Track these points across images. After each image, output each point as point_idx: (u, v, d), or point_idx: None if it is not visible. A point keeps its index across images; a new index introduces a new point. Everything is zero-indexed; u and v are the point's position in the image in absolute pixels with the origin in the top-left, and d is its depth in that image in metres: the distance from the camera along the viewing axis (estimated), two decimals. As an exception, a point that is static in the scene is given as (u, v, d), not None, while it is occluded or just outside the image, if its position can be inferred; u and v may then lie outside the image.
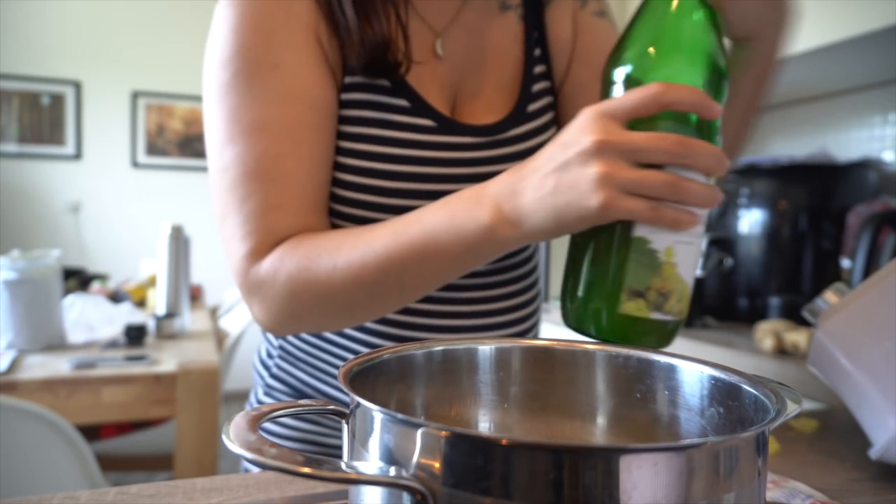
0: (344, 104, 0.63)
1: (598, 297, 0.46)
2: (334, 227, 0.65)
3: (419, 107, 0.63)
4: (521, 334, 0.73)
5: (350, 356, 0.67)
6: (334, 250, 0.55)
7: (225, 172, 0.59)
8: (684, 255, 0.45)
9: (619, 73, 0.47)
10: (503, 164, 0.65)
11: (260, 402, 0.76)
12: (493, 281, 0.69)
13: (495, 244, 0.50)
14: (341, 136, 0.62)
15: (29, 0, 3.63)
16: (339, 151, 0.63)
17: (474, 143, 0.65)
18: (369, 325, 0.67)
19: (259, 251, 0.58)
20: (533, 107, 0.69)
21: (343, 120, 0.63)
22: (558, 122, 0.73)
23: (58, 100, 3.72)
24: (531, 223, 0.47)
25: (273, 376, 0.75)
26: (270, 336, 0.75)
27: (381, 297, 0.55)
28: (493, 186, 0.50)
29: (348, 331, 0.68)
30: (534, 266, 0.76)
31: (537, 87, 0.70)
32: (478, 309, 0.68)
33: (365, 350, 0.66)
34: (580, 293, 0.47)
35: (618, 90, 0.47)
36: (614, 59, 0.48)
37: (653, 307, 0.45)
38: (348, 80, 0.62)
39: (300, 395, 0.72)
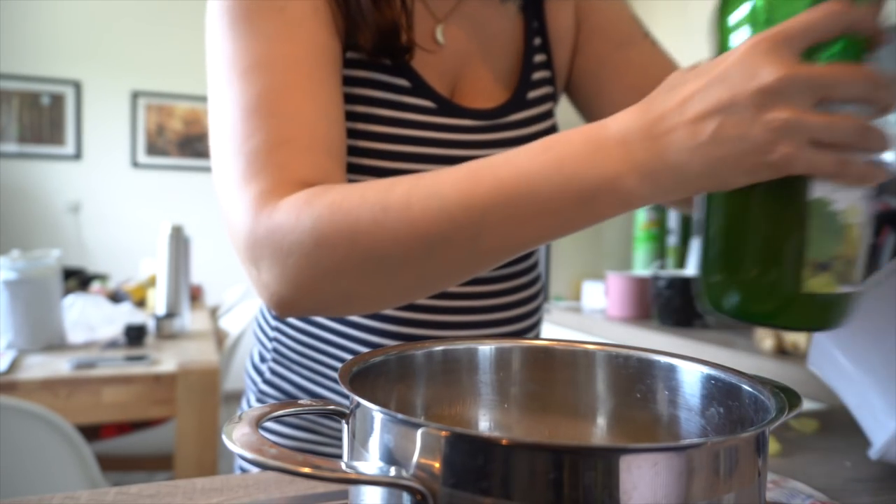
0: (345, 81, 0.61)
1: (769, 275, 0.38)
2: None
3: (419, 87, 0.63)
4: (525, 331, 0.72)
5: (349, 357, 0.66)
6: (384, 190, 0.45)
7: (221, 117, 0.52)
8: (866, 213, 0.39)
9: (744, 11, 0.38)
10: (503, 147, 0.64)
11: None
12: (496, 275, 0.69)
13: (619, 201, 0.40)
14: None
15: (29, 0, 3.63)
16: None
17: (474, 125, 0.64)
18: (368, 322, 0.66)
19: (271, 192, 0.48)
20: (532, 94, 0.69)
21: (344, 98, 0.60)
22: (580, 101, 0.74)
23: (58, 100, 3.72)
24: (676, 178, 0.38)
25: (266, 382, 0.73)
26: (264, 338, 0.74)
27: (444, 255, 0.44)
28: (617, 126, 0.40)
29: (347, 329, 0.66)
30: (536, 260, 0.75)
31: (537, 75, 0.70)
32: (482, 304, 0.68)
33: (365, 350, 0.65)
34: (741, 272, 0.38)
35: (742, 34, 0.38)
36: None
37: (840, 279, 0.38)
38: (349, 55, 0.61)
39: (296, 398, 0.70)
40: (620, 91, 0.71)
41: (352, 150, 0.61)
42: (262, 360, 0.74)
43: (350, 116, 0.61)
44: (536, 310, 0.75)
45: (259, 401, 0.73)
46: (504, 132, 0.66)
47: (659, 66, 0.71)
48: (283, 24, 0.54)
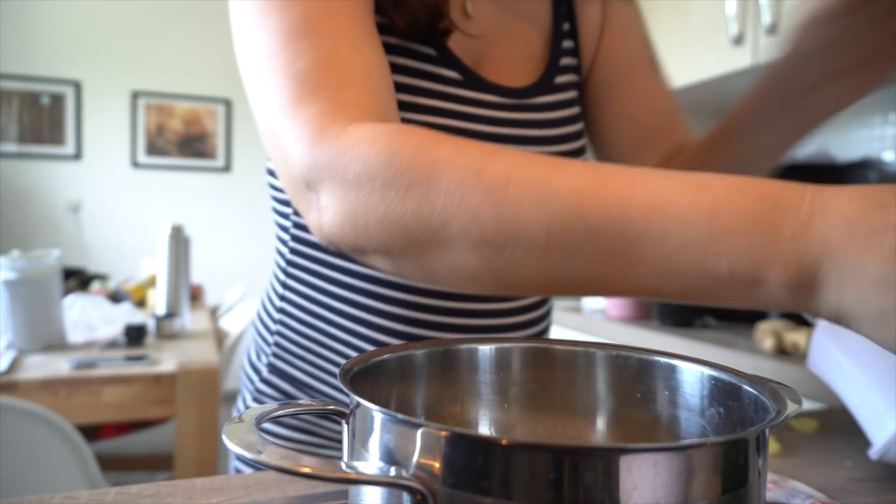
0: None
1: None
2: None
3: (445, 57, 0.61)
4: (537, 336, 0.71)
5: (353, 353, 0.65)
6: (484, 154, 0.37)
7: (264, 50, 0.46)
8: None
9: None
10: (529, 128, 0.64)
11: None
12: None
13: (743, 298, 0.30)
14: None
15: (29, 0, 3.63)
16: None
17: (500, 102, 0.63)
18: (375, 319, 0.64)
19: (332, 114, 0.42)
20: (560, 80, 0.68)
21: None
22: (583, 106, 0.73)
23: (58, 100, 3.72)
24: (837, 307, 0.28)
25: (263, 380, 0.71)
26: (265, 332, 0.72)
27: (513, 258, 0.36)
28: (819, 212, 0.28)
29: (353, 326, 0.65)
30: None
31: (564, 61, 0.69)
32: (491, 308, 0.66)
33: (369, 346, 0.64)
34: None
35: None
36: None
37: None
38: (377, 18, 0.59)
39: (294, 399, 0.70)
40: (620, 113, 0.73)
41: None
42: (260, 357, 0.73)
43: None
44: (546, 315, 0.74)
45: (255, 400, 0.72)
46: (530, 113, 0.65)
47: (657, 99, 0.72)
48: None
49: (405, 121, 0.57)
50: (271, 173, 0.68)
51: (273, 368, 0.71)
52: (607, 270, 0.33)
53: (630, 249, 0.32)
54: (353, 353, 0.66)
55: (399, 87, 0.58)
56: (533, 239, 0.34)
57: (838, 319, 0.29)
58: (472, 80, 0.62)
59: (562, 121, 0.67)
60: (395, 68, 0.59)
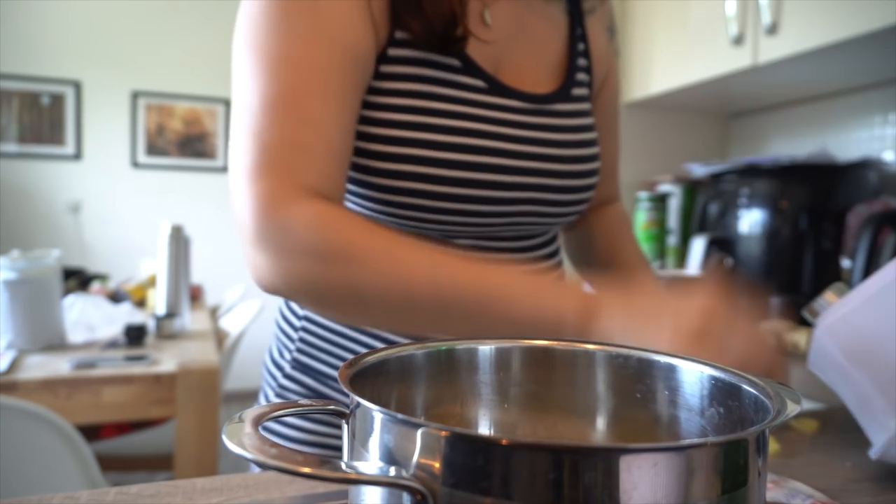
0: (394, 60, 0.62)
1: None
2: (375, 202, 0.64)
3: (470, 67, 0.64)
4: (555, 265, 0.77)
5: (378, 344, 0.67)
6: (389, 246, 0.52)
7: (245, 105, 0.55)
8: None
9: None
10: (549, 132, 0.68)
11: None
12: (539, 263, 0.73)
13: (552, 331, 0.50)
14: (392, 93, 0.62)
15: (29, 0, 3.63)
16: (390, 108, 0.61)
17: (522, 107, 0.67)
18: None
19: (283, 194, 0.52)
20: (576, 91, 0.73)
21: (393, 77, 0.62)
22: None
23: (58, 100, 3.72)
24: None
25: (287, 376, 0.73)
26: (288, 329, 0.74)
27: (412, 318, 0.53)
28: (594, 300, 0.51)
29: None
30: (562, 258, 0.80)
31: (579, 76, 0.74)
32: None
33: (397, 337, 0.67)
34: None
35: None
36: None
37: None
38: (398, 34, 0.62)
39: (316, 394, 0.71)
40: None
41: (406, 125, 0.62)
42: (283, 354, 0.74)
43: (402, 94, 0.62)
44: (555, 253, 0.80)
45: (278, 396, 0.73)
46: (550, 118, 0.69)
47: (611, 155, 0.85)
48: (314, 23, 0.56)
49: (434, 126, 0.62)
50: None
51: (297, 364, 0.72)
52: (474, 323, 0.51)
53: (489, 309, 0.50)
54: (378, 344, 0.67)
55: (428, 96, 0.62)
56: (428, 306, 0.50)
57: (605, 337, 0.49)
58: (496, 87, 0.66)
59: (579, 128, 0.72)
60: (423, 79, 0.62)
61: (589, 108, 0.74)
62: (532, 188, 0.67)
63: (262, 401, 0.76)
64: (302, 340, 0.72)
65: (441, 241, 0.67)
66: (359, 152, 0.62)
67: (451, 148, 0.62)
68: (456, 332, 0.50)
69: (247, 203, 0.53)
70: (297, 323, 0.73)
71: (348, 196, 0.67)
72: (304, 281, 0.52)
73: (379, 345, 0.67)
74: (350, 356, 0.68)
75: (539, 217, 0.70)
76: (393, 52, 0.62)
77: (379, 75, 0.62)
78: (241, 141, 0.55)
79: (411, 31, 0.61)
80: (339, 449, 0.70)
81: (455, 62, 0.64)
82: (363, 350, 0.67)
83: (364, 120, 0.62)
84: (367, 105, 0.62)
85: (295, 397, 0.72)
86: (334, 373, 0.69)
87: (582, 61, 0.75)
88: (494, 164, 0.64)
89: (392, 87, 0.62)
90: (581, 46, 0.75)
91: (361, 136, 0.62)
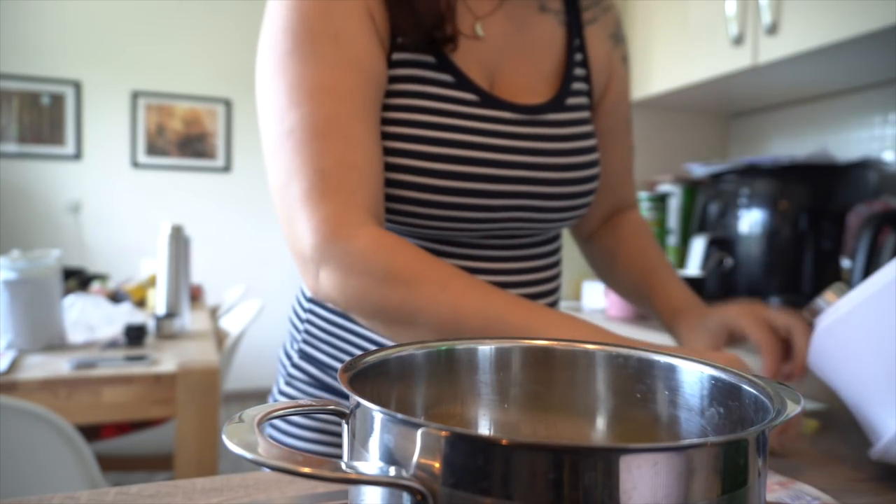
0: (391, 79, 0.66)
1: None
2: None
3: (462, 82, 0.67)
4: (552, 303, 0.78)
5: (382, 340, 0.69)
6: (448, 275, 0.57)
7: (290, 135, 0.59)
8: None
9: None
10: (544, 142, 0.70)
11: (282, 392, 0.77)
12: (528, 266, 0.73)
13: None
14: (388, 108, 0.65)
15: (29, 0, 3.63)
16: (386, 122, 0.65)
17: (515, 118, 0.68)
18: None
19: (347, 216, 0.57)
20: (571, 101, 0.73)
21: (389, 94, 0.65)
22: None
23: (58, 100, 3.72)
24: None
25: (294, 365, 0.76)
26: (296, 320, 0.77)
27: (453, 334, 0.56)
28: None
29: None
30: (560, 258, 0.80)
31: (576, 86, 0.75)
32: (522, 292, 0.73)
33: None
34: None
35: None
36: None
37: None
38: (395, 56, 0.65)
39: (320, 383, 0.73)
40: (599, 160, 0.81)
41: (400, 137, 0.65)
42: (292, 344, 0.77)
43: (398, 109, 0.65)
44: (555, 304, 0.80)
45: (287, 383, 0.76)
46: (543, 128, 0.70)
47: (622, 161, 0.86)
48: (339, 51, 0.60)
49: (429, 139, 0.64)
50: None
51: (303, 354, 0.75)
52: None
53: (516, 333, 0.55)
54: (380, 340, 0.70)
55: (423, 110, 0.65)
56: (471, 330, 0.55)
57: None
58: (488, 99, 0.68)
59: (572, 136, 0.73)
60: (415, 94, 0.65)
61: (586, 116, 0.75)
62: (522, 196, 0.69)
63: (275, 389, 0.80)
64: (307, 332, 0.75)
65: (432, 243, 0.69)
66: None
67: (443, 159, 0.64)
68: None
69: (310, 224, 0.57)
70: (303, 315, 0.76)
71: None
72: (364, 299, 0.57)
73: (379, 339, 0.70)
74: (351, 348, 0.71)
75: (531, 222, 0.71)
76: (392, 71, 0.65)
77: (385, 92, 0.66)
78: (292, 168, 0.58)
79: (404, 30, 0.64)
80: (339, 445, 0.72)
81: (448, 77, 0.66)
82: (364, 343, 0.70)
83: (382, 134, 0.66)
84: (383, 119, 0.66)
85: (301, 385, 0.75)
86: (337, 364, 0.72)
87: (579, 71, 0.76)
88: (485, 173, 0.66)
89: (390, 102, 0.65)
90: (579, 56, 0.76)
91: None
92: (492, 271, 0.71)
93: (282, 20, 0.61)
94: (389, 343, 0.68)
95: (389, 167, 0.64)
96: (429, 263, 0.57)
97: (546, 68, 0.74)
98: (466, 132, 0.66)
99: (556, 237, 0.79)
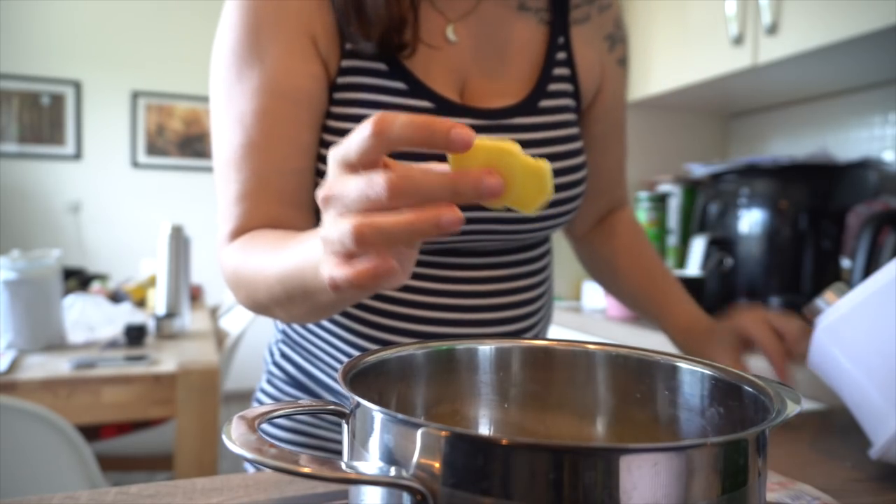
0: (339, 87, 0.64)
1: None
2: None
3: (416, 89, 0.64)
4: (526, 331, 0.73)
5: (348, 348, 0.68)
6: (247, 261, 0.58)
7: (216, 160, 0.64)
8: None
9: None
10: None
11: (262, 391, 0.77)
12: (501, 275, 0.70)
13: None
14: (336, 117, 0.64)
15: (29, 0, 3.62)
16: (331, 131, 0.64)
17: (475, 125, 0.65)
18: (371, 318, 0.67)
19: (228, 238, 0.62)
20: (546, 104, 0.69)
21: (336, 102, 0.64)
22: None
23: (58, 100, 3.72)
24: None
25: (275, 363, 0.76)
26: (276, 321, 0.77)
27: (293, 306, 0.54)
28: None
29: (349, 322, 0.68)
30: (545, 264, 0.76)
31: (555, 87, 0.71)
32: (483, 303, 0.69)
33: (367, 343, 0.67)
34: None
35: None
36: None
37: None
38: (345, 63, 0.64)
39: (297, 383, 0.73)
40: (591, 164, 0.79)
41: None
42: (276, 342, 0.78)
43: (343, 118, 0.64)
44: (538, 310, 0.75)
45: (268, 381, 0.77)
46: (509, 134, 0.67)
47: (615, 163, 0.84)
48: (263, 75, 0.62)
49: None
50: None
51: (282, 353, 0.76)
52: (307, 299, 0.51)
53: (300, 282, 0.50)
54: (349, 347, 0.68)
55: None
56: (288, 299, 0.52)
57: None
58: (445, 106, 0.65)
59: (545, 141, 0.68)
60: (363, 103, 0.64)
61: (567, 119, 0.71)
62: (482, 208, 0.64)
63: (257, 389, 0.80)
64: (284, 332, 0.76)
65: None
66: (320, 174, 0.65)
67: None
68: (314, 307, 0.52)
69: (218, 235, 0.64)
70: None
71: None
72: (240, 302, 0.61)
73: (347, 348, 0.68)
74: (325, 356, 0.70)
75: (500, 235, 0.68)
76: (342, 80, 0.64)
77: (333, 101, 0.65)
78: (217, 191, 0.65)
79: (353, 38, 0.63)
80: (327, 440, 0.72)
81: (401, 85, 0.64)
82: (336, 352, 0.69)
83: (322, 143, 0.65)
84: (325, 129, 0.65)
85: (280, 384, 0.75)
86: (308, 366, 0.72)
87: (560, 71, 0.71)
88: None
89: (337, 111, 0.64)
90: (561, 56, 0.72)
91: (322, 159, 0.65)
92: (462, 279, 0.68)
93: (220, 45, 0.64)
94: (354, 351, 0.68)
95: None
96: (241, 257, 0.59)
97: (521, 70, 0.70)
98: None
99: (539, 243, 0.75)
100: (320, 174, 0.65)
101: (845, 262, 1.47)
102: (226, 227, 0.63)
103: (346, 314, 0.68)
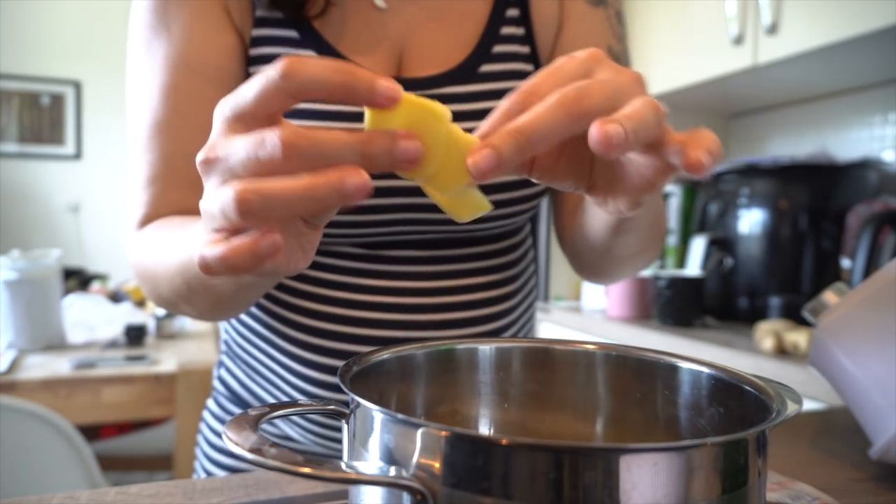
0: (251, 61, 0.60)
1: None
2: None
3: (326, 56, 0.58)
4: (495, 333, 0.66)
5: (286, 359, 0.63)
6: (148, 254, 0.54)
7: (128, 139, 0.60)
8: None
9: None
10: None
11: (208, 408, 0.72)
12: (452, 269, 0.63)
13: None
14: None
15: (29, 0, 3.62)
16: None
17: None
18: (302, 320, 0.62)
19: (137, 226, 0.58)
20: (489, 68, 0.61)
21: (249, 77, 0.60)
22: None
23: (58, 100, 3.72)
24: None
25: (218, 378, 0.71)
26: (226, 326, 0.72)
27: (195, 300, 0.51)
28: None
29: (281, 326, 0.63)
30: (516, 257, 0.68)
31: (503, 48, 0.62)
32: (432, 302, 0.62)
33: (303, 352, 0.62)
34: None
35: None
36: None
37: None
38: (255, 32, 0.59)
39: (240, 401, 0.68)
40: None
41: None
42: (221, 351, 0.73)
43: None
44: (509, 311, 0.67)
45: (214, 398, 0.72)
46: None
47: None
48: (170, 46, 0.57)
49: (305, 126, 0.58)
50: None
51: (224, 366, 0.71)
52: (207, 289, 0.48)
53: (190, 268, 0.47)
54: (290, 362, 0.63)
55: None
56: (179, 291, 0.50)
57: None
58: None
59: (484, 112, 0.58)
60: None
61: (513, 86, 0.60)
62: (403, 192, 0.58)
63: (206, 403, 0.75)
64: (225, 343, 0.71)
65: (326, 250, 0.62)
66: None
67: None
68: (218, 301, 0.49)
69: (128, 220, 0.60)
70: (224, 324, 0.72)
71: None
72: (148, 297, 0.59)
73: (286, 360, 0.63)
74: (260, 364, 0.65)
75: (427, 225, 0.60)
76: (254, 52, 0.60)
77: (247, 77, 0.60)
78: (128, 170, 0.60)
79: (261, 1, 0.58)
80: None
81: (310, 54, 0.58)
82: (274, 365, 0.64)
83: None
84: None
85: (224, 401, 0.70)
86: (249, 382, 0.67)
87: (511, 30, 0.62)
88: None
89: None
90: (512, 13, 0.63)
91: None
92: (403, 275, 0.61)
93: (134, 15, 0.59)
94: (293, 364, 0.63)
95: None
96: (143, 250, 0.55)
97: (465, 33, 0.61)
98: (332, 118, 0.56)
99: (507, 235, 0.66)
100: None
101: (845, 262, 1.47)
102: (134, 213, 0.58)
103: (274, 315, 0.63)
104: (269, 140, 0.28)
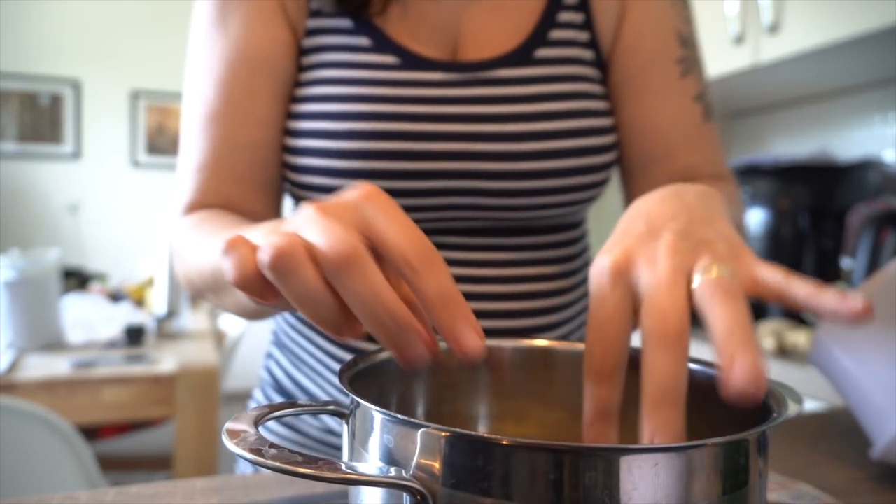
0: (304, 51, 0.62)
1: None
2: (293, 195, 0.65)
3: (382, 44, 0.60)
4: (546, 329, 0.64)
5: (336, 350, 0.64)
6: (191, 243, 0.55)
7: (181, 127, 0.63)
8: None
9: None
10: (482, 104, 0.59)
11: (254, 398, 0.75)
12: (511, 258, 0.62)
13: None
14: (298, 83, 0.62)
15: (29, 0, 3.62)
16: (295, 99, 0.62)
17: (445, 80, 0.59)
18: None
19: (184, 211, 0.60)
20: (545, 52, 0.61)
21: (302, 68, 0.62)
22: (610, 98, 0.66)
23: (57, 99, 3.72)
24: None
25: (266, 368, 0.73)
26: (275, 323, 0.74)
27: (222, 300, 0.52)
28: None
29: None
30: (573, 253, 0.67)
31: (560, 34, 0.62)
32: (480, 290, 0.61)
33: (356, 345, 0.63)
34: None
35: None
36: None
37: None
38: (310, 24, 0.62)
39: (283, 391, 0.69)
40: (629, 124, 0.65)
41: (307, 116, 0.60)
42: (270, 341, 0.75)
43: (308, 83, 0.61)
44: (564, 306, 0.66)
45: (260, 388, 0.74)
46: (489, 88, 0.59)
47: (669, 114, 0.65)
48: (226, 40, 0.60)
49: (339, 114, 0.59)
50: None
51: (272, 356, 0.73)
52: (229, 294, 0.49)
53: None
54: (336, 349, 0.64)
55: (331, 82, 0.60)
56: (209, 287, 0.51)
57: None
58: (412, 61, 0.59)
59: (537, 97, 0.59)
60: (328, 65, 0.61)
61: (574, 72, 0.61)
62: (456, 175, 0.58)
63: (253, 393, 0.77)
64: (274, 333, 0.73)
65: None
66: (285, 149, 0.62)
67: (352, 136, 0.57)
68: (243, 308, 0.50)
69: (174, 203, 0.62)
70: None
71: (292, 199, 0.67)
72: (180, 283, 0.59)
73: (334, 349, 0.64)
74: (308, 354, 0.66)
75: (480, 210, 0.60)
76: (307, 42, 0.62)
77: (300, 68, 0.63)
78: (179, 155, 0.63)
79: None
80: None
81: (364, 41, 0.60)
82: (322, 355, 0.65)
83: (289, 115, 0.62)
84: (292, 99, 0.63)
85: (269, 391, 0.71)
86: (296, 372, 0.68)
87: (570, 16, 0.62)
88: (404, 149, 0.57)
89: (305, 77, 0.62)
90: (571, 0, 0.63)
91: (287, 132, 0.62)
92: (453, 262, 0.61)
93: (195, 8, 0.63)
94: (341, 353, 0.63)
95: (298, 151, 0.60)
96: (187, 236, 0.56)
97: (522, 19, 0.62)
98: (381, 101, 0.58)
99: (564, 228, 0.65)
100: (286, 150, 0.62)
101: (846, 262, 1.47)
102: (181, 198, 0.61)
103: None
104: (345, 251, 0.29)
